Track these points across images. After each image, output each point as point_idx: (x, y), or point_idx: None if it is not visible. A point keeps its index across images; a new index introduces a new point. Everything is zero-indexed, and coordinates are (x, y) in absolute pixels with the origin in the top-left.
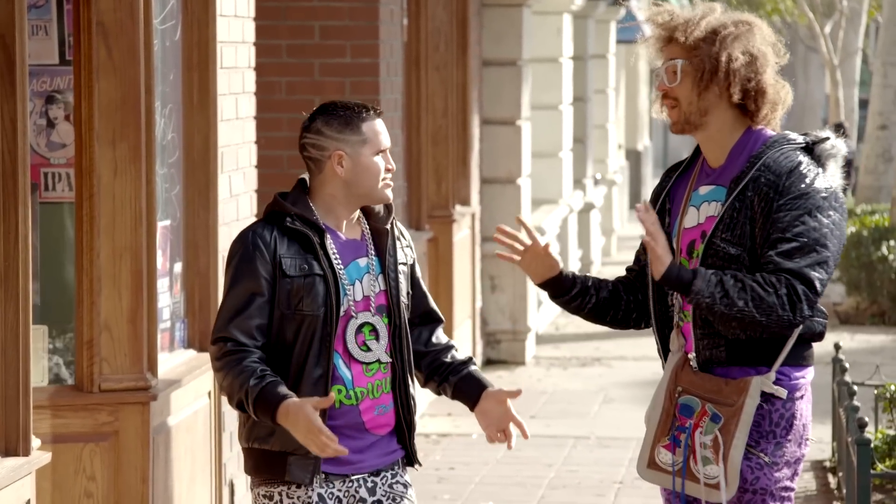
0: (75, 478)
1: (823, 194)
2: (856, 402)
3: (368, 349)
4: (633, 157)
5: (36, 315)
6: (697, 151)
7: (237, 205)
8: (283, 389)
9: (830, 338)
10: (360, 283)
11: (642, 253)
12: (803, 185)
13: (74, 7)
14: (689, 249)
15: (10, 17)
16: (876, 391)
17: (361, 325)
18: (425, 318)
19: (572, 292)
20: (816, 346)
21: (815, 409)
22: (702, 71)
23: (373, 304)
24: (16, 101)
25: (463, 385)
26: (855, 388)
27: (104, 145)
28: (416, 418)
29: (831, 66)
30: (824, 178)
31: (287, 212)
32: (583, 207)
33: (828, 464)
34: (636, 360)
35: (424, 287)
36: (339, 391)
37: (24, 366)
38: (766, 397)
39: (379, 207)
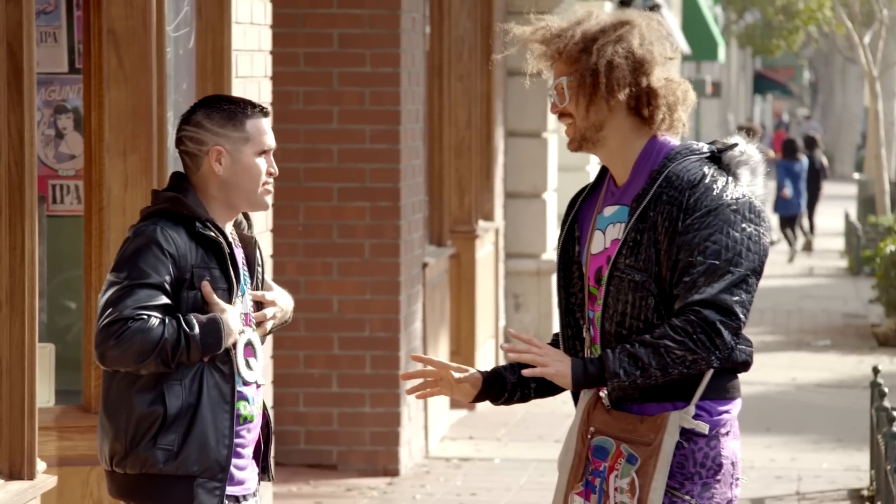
0: (81, 502)
1: (733, 207)
2: (895, 429)
3: (250, 367)
4: None
5: (42, 333)
6: (604, 169)
7: (253, 218)
8: (207, 316)
9: (869, 360)
10: (244, 295)
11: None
12: (709, 200)
13: (84, 14)
14: (596, 277)
15: (18, 24)
16: None
17: (247, 344)
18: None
19: (507, 389)
20: (849, 368)
21: (853, 435)
22: (583, 85)
23: (251, 318)
24: (23, 111)
25: None
26: (894, 413)
27: (114, 157)
28: (409, 437)
29: (871, 77)
30: (733, 189)
31: (198, 216)
32: None
33: (865, 492)
34: None
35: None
36: (245, 406)
37: (29, 386)
38: (688, 435)
39: (240, 215)
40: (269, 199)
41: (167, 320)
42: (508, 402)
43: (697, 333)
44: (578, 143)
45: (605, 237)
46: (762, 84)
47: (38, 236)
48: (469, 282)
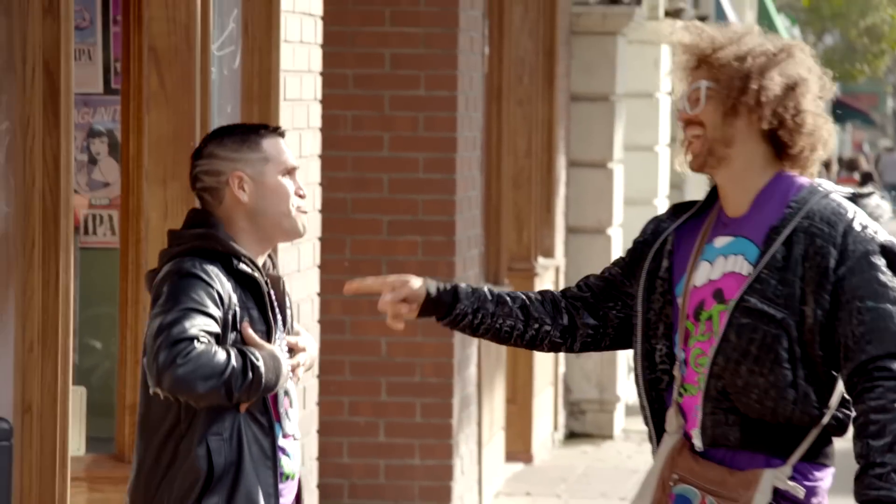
0: None
1: (889, 248)
2: None
3: (289, 418)
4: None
5: (74, 375)
6: (711, 197)
7: (299, 253)
8: (268, 353)
9: None
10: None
11: (619, 273)
12: (866, 241)
13: (124, 30)
14: (696, 312)
15: (55, 41)
16: None
17: (287, 395)
18: None
19: (456, 314)
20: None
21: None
22: (729, 93)
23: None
24: (59, 135)
25: None
26: None
27: (154, 184)
28: (461, 493)
29: None
30: (883, 231)
31: (234, 253)
32: None
33: None
34: None
35: None
36: (286, 463)
37: (62, 433)
38: (779, 497)
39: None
40: (303, 223)
41: (231, 350)
42: (451, 325)
43: None
44: (704, 158)
45: (714, 268)
46: (841, 112)
47: (73, 271)
48: None
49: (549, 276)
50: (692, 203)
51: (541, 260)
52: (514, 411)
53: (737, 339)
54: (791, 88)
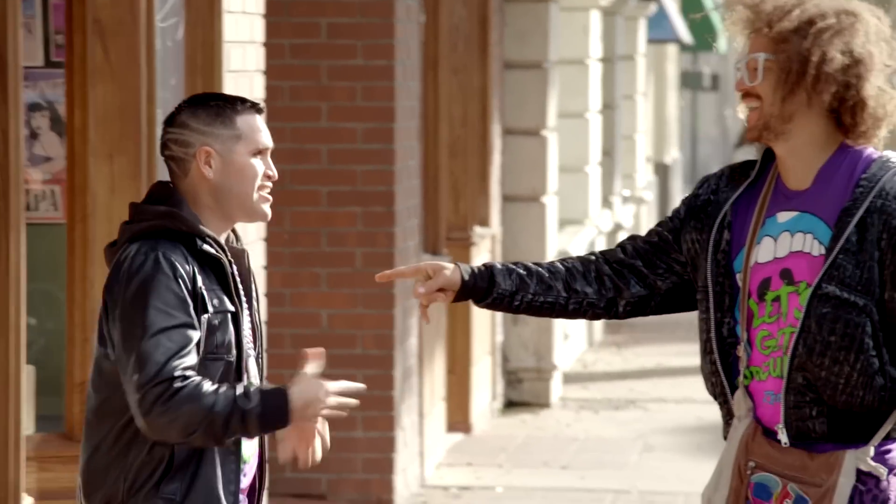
0: None
1: None
2: None
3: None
4: (662, 172)
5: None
6: (766, 162)
7: (244, 227)
8: (271, 386)
9: None
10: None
11: (670, 237)
12: None
13: (67, 3)
14: (760, 291)
15: (3, 15)
16: None
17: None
18: None
19: (494, 297)
20: None
21: None
22: (787, 70)
23: (249, 344)
24: (7, 110)
25: None
26: None
27: (100, 159)
28: (404, 465)
29: None
30: None
31: (197, 233)
32: (611, 228)
33: None
34: (677, 402)
35: None
36: (245, 448)
37: (15, 413)
38: (861, 477)
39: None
40: (268, 208)
41: (221, 389)
42: (491, 307)
43: None
44: (759, 131)
45: (778, 245)
46: None
47: (25, 248)
48: None
49: (486, 244)
50: (748, 166)
51: (477, 229)
52: (454, 381)
53: (818, 329)
54: (853, 66)
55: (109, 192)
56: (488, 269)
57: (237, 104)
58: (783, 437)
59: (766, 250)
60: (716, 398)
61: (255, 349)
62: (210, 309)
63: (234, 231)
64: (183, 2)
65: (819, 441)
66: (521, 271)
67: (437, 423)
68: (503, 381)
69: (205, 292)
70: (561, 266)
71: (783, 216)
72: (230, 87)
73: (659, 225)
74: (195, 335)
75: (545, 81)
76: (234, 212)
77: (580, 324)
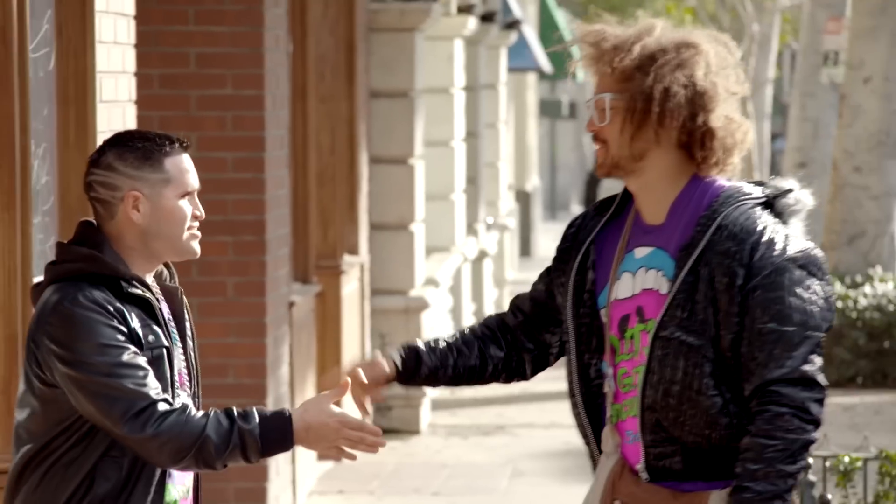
0: None
1: (800, 262)
2: (811, 477)
3: None
4: (523, 199)
5: None
6: (628, 195)
7: None
8: (270, 410)
9: None
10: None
11: (544, 290)
12: (774, 256)
13: None
14: (620, 327)
15: None
16: (826, 462)
17: None
18: None
19: (420, 375)
20: None
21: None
22: (633, 109)
23: (185, 380)
24: None
25: None
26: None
27: None
28: (276, 493)
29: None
30: (795, 241)
31: (121, 275)
32: (477, 255)
33: None
34: (545, 427)
35: None
36: (171, 490)
37: None
38: None
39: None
40: (197, 246)
41: (212, 412)
42: (424, 384)
43: (793, 424)
44: (608, 169)
45: (635, 282)
46: None
47: None
48: (334, 321)
49: (355, 273)
50: (610, 201)
51: (346, 257)
52: None
53: (660, 370)
54: (697, 98)
55: None
56: (413, 349)
57: (165, 145)
58: (644, 475)
59: (624, 286)
60: (583, 438)
61: (190, 387)
62: (145, 345)
63: (168, 267)
64: (55, 32)
65: (680, 479)
66: (442, 346)
67: (309, 452)
68: (372, 409)
69: (139, 330)
70: (472, 334)
71: (640, 252)
72: (103, 117)
73: (538, 279)
74: (147, 364)
75: (412, 110)
76: (162, 252)
77: None
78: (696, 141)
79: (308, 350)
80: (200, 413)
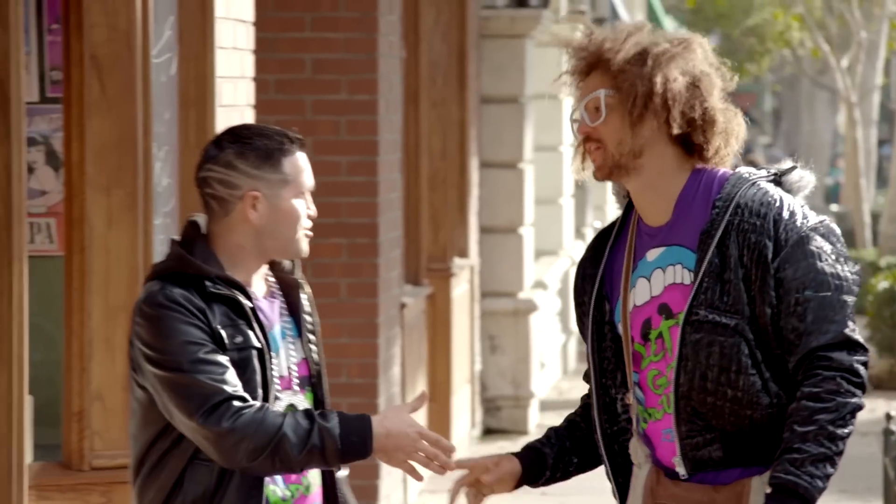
0: None
1: (821, 231)
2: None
3: None
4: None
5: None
6: (626, 211)
7: None
8: (352, 414)
9: (867, 405)
10: (278, 354)
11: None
12: (798, 227)
13: (64, 39)
14: (643, 332)
15: (6, 53)
16: None
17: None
18: None
19: (548, 467)
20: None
21: (859, 486)
22: (633, 97)
23: (294, 379)
24: (10, 146)
25: None
26: None
27: (97, 192)
28: (388, 492)
29: (848, 103)
30: (811, 213)
31: (205, 274)
32: None
33: None
34: None
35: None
36: (273, 492)
37: (17, 443)
38: (767, 500)
39: None
40: (307, 245)
41: (292, 412)
42: (549, 481)
43: (842, 387)
44: (609, 170)
45: (652, 284)
46: None
47: (26, 280)
48: (444, 323)
49: (465, 275)
50: (610, 227)
51: (456, 260)
52: (435, 409)
53: (694, 357)
54: (695, 86)
55: (107, 224)
56: (534, 449)
57: (284, 143)
58: (681, 469)
59: (642, 292)
60: (606, 475)
61: (309, 383)
62: (229, 346)
63: (292, 261)
64: (177, 38)
65: (719, 469)
66: (555, 441)
67: None
68: (482, 409)
69: (221, 329)
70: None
71: (652, 254)
72: (222, 120)
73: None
74: (228, 362)
75: (521, 115)
76: (273, 251)
77: (555, 353)
78: (696, 129)
79: (419, 351)
80: (280, 412)
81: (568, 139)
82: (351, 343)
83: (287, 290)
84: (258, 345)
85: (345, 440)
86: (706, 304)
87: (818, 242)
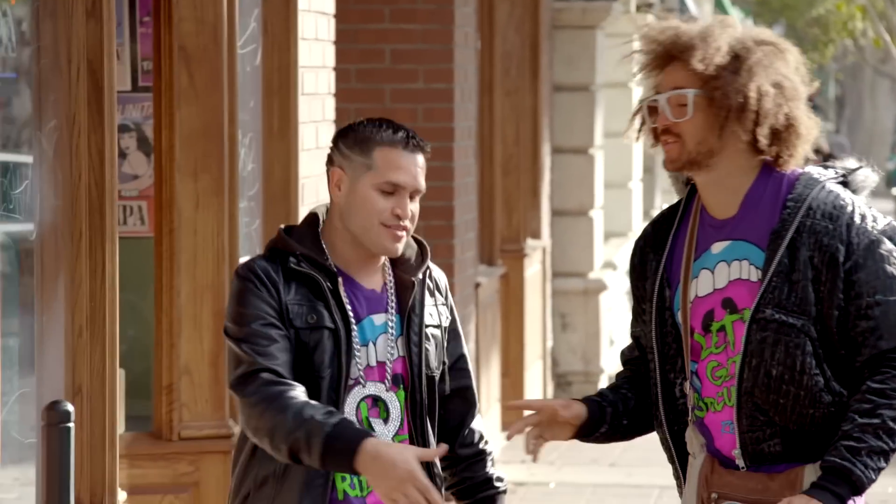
0: None
1: (889, 234)
2: None
3: (371, 429)
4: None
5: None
6: (689, 198)
7: None
8: (359, 427)
9: None
10: (374, 344)
11: (644, 332)
12: (868, 230)
13: (155, 31)
14: (705, 324)
15: (99, 43)
16: None
17: (368, 399)
18: (455, 398)
19: (606, 421)
20: None
21: None
22: (726, 109)
23: (388, 374)
24: (104, 131)
25: None
26: None
27: (185, 177)
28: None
29: None
30: (879, 216)
31: (291, 250)
32: None
33: None
34: None
35: (467, 357)
36: (343, 479)
37: (110, 414)
38: None
39: (410, 252)
40: (393, 245)
41: (312, 404)
42: (602, 437)
43: None
44: (682, 164)
45: (715, 276)
46: None
47: (117, 259)
48: (518, 302)
49: (537, 256)
50: (671, 213)
51: (529, 241)
52: (508, 384)
53: (759, 354)
54: (783, 96)
55: (194, 207)
56: (595, 402)
57: (387, 136)
58: (740, 461)
59: (705, 283)
60: (668, 459)
61: (407, 385)
62: (299, 323)
63: (423, 253)
64: (261, 30)
65: (776, 462)
66: (613, 399)
67: (493, 422)
68: (553, 384)
69: (292, 306)
70: (626, 390)
71: (717, 247)
72: (304, 108)
73: (632, 320)
74: (282, 334)
75: (592, 103)
76: (360, 240)
77: (625, 329)
78: (779, 139)
79: (493, 328)
80: (299, 399)
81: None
82: None
83: (401, 287)
84: (331, 326)
85: (328, 443)
86: (774, 303)
87: (887, 246)
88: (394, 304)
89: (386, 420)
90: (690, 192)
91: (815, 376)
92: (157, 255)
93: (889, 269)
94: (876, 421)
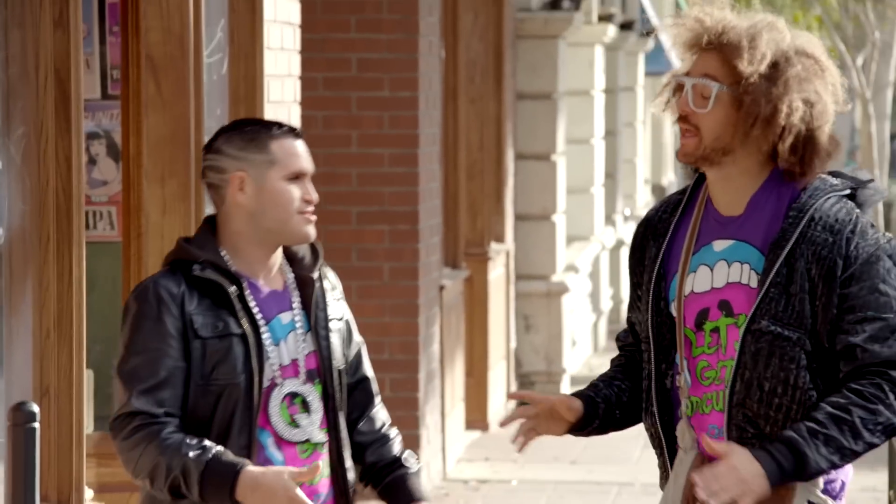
0: None
1: (888, 251)
2: None
3: (297, 425)
4: (658, 192)
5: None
6: (696, 186)
7: None
8: (235, 457)
9: None
10: (285, 343)
11: (639, 319)
12: (868, 246)
13: (123, 40)
14: (698, 321)
15: (66, 51)
16: None
17: (288, 396)
18: (355, 390)
19: (599, 416)
20: None
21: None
22: (755, 115)
23: (302, 370)
24: (71, 138)
25: (393, 490)
26: None
27: (152, 182)
28: (427, 460)
29: (864, 99)
30: (880, 232)
31: (194, 258)
32: (614, 244)
33: None
34: None
35: (363, 351)
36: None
37: (77, 413)
38: None
39: (304, 251)
40: (311, 230)
41: (180, 439)
42: (594, 431)
43: (888, 399)
44: (696, 159)
45: (715, 275)
46: None
47: (84, 263)
48: (482, 304)
49: (501, 259)
50: (676, 199)
51: (493, 245)
52: (472, 384)
53: (753, 365)
54: (812, 115)
55: (161, 212)
56: (587, 397)
57: (273, 129)
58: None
59: (702, 279)
60: (656, 449)
61: (320, 378)
62: (206, 333)
63: (314, 253)
64: (227, 39)
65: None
66: (613, 400)
67: (457, 421)
68: (517, 384)
69: (196, 317)
70: (620, 380)
71: (719, 245)
72: (270, 116)
73: (629, 308)
74: (172, 366)
75: (554, 110)
76: (272, 236)
77: (586, 331)
78: (799, 154)
79: (457, 330)
80: (174, 437)
81: (599, 133)
82: (393, 322)
83: (302, 285)
84: (238, 331)
85: (205, 479)
86: (770, 314)
87: (886, 263)
88: (298, 301)
89: (308, 412)
90: (697, 182)
91: (808, 391)
92: (126, 259)
93: (883, 287)
94: (846, 416)
